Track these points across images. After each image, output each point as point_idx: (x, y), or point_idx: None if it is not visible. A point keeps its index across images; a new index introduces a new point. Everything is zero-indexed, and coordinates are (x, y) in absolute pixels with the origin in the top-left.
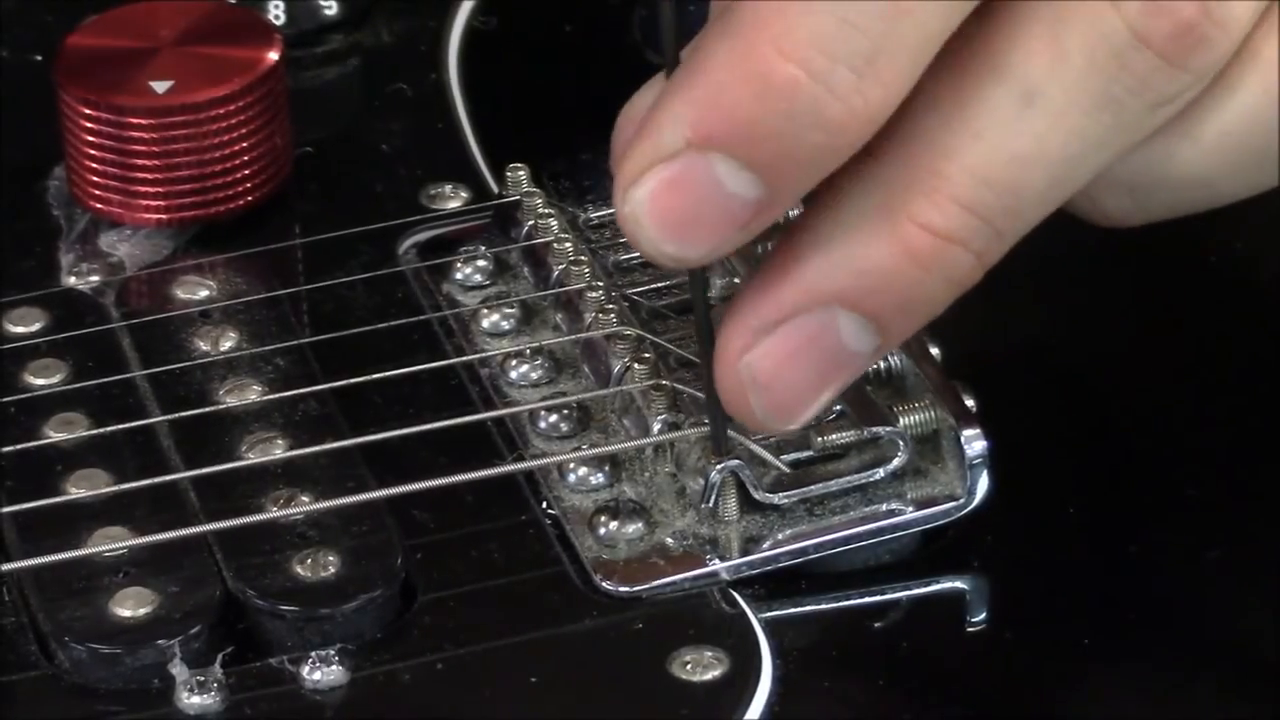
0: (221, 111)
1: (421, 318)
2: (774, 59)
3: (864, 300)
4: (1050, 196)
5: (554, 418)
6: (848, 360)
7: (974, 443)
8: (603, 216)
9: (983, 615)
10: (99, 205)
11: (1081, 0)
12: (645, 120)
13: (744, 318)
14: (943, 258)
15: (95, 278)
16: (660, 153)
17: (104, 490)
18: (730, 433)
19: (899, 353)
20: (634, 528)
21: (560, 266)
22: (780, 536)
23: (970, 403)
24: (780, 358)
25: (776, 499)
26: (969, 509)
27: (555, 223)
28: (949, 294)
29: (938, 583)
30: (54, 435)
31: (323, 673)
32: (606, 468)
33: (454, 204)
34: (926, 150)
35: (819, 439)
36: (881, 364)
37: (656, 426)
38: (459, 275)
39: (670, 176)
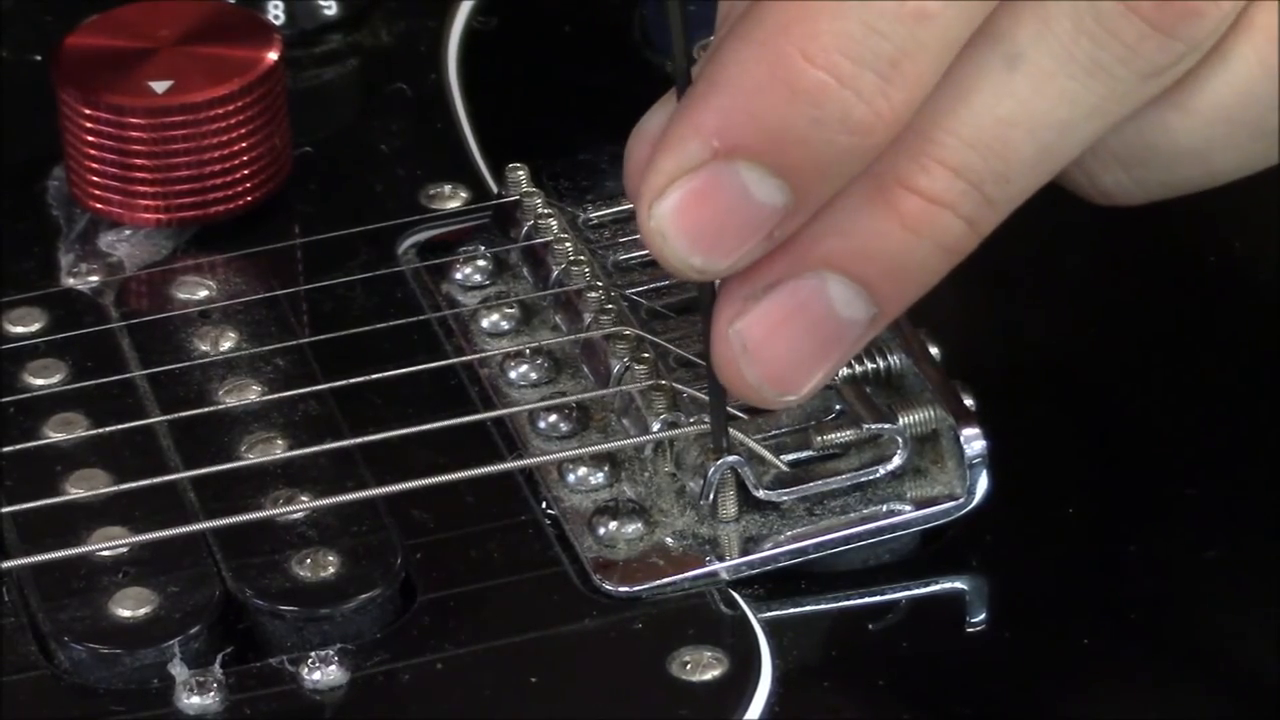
0: (220, 111)
1: (421, 318)
2: (801, 65)
3: (853, 265)
4: (1041, 164)
5: (553, 418)
6: (841, 329)
7: (973, 442)
8: (602, 216)
9: (982, 615)
10: (98, 205)
11: None
12: (667, 133)
13: (736, 285)
14: (932, 222)
15: (94, 278)
16: (685, 164)
17: (103, 490)
18: (731, 430)
19: (899, 352)
20: (633, 528)
21: (560, 266)
22: (780, 536)
23: (970, 402)
24: (770, 324)
25: (776, 497)
26: (968, 509)
27: (555, 223)
28: (942, 261)
29: (937, 583)
30: (53, 435)
31: (322, 673)
32: (606, 468)
33: (453, 204)
34: (915, 115)
35: (818, 438)
36: (881, 363)
37: (656, 426)
38: (458, 275)
39: (696, 188)
